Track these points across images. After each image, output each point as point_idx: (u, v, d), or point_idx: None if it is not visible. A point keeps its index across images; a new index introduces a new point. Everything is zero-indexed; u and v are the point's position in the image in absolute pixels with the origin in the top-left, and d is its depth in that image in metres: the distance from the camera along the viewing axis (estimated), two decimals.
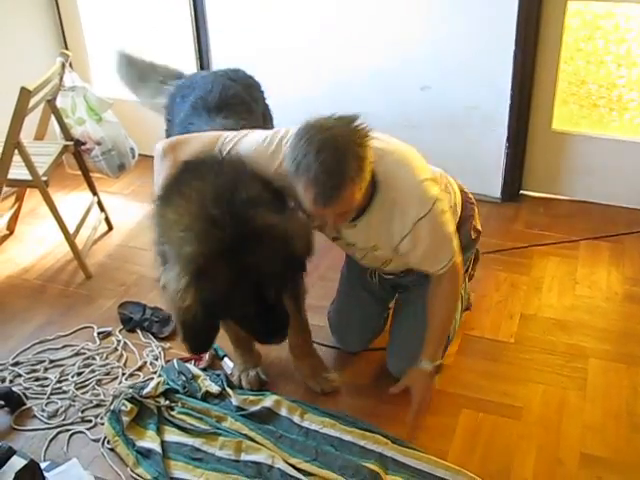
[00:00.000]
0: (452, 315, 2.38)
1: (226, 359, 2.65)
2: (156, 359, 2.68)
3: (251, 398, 2.42)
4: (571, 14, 3.32)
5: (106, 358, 2.71)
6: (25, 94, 2.89)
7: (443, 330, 2.34)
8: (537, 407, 2.42)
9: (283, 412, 2.38)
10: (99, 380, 2.60)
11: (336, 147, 1.88)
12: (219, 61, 3.88)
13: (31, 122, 3.30)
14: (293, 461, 2.18)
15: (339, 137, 1.89)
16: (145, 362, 2.67)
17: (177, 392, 2.44)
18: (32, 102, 3.00)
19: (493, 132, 3.55)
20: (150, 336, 2.81)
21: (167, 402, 2.41)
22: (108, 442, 2.30)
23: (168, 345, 2.75)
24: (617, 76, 3.40)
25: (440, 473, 2.16)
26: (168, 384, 2.47)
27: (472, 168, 3.55)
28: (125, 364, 2.68)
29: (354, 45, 3.59)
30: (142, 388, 2.45)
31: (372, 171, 2.01)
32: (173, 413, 2.38)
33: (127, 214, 3.75)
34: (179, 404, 2.40)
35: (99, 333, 2.83)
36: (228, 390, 2.45)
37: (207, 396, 2.44)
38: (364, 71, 3.61)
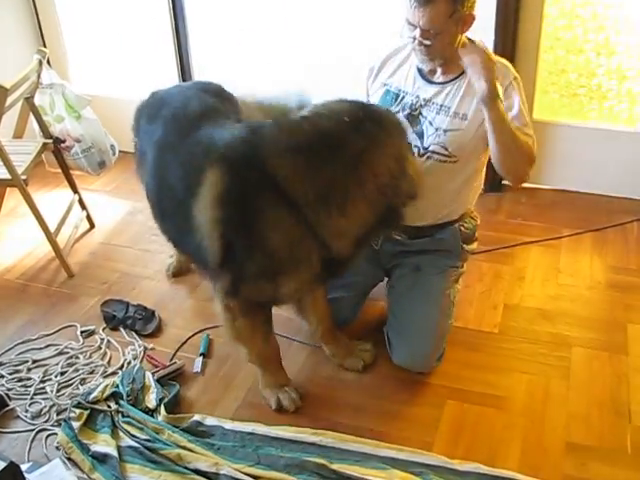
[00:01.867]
0: (518, 144, 2.28)
1: (200, 358, 2.64)
2: (135, 358, 2.66)
3: (178, 417, 2.37)
4: (549, 3, 3.32)
5: (90, 357, 2.69)
6: (2, 92, 2.86)
7: (512, 129, 2.27)
8: (521, 397, 2.43)
9: (211, 422, 2.35)
10: (83, 379, 2.58)
11: None
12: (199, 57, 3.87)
13: (9, 120, 3.27)
14: (237, 467, 2.15)
15: None
16: (126, 360, 2.66)
17: (122, 398, 2.41)
18: (10, 100, 2.97)
19: None
20: (134, 334, 2.79)
21: (117, 406, 2.38)
22: (64, 450, 2.24)
23: (151, 345, 2.73)
24: (596, 65, 3.41)
25: (383, 452, 2.19)
26: (117, 387, 2.44)
27: None
28: (109, 362, 2.67)
29: (336, 44, 3.57)
30: (89, 393, 2.42)
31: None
32: (120, 419, 2.35)
33: (109, 212, 3.73)
34: (124, 412, 2.37)
35: (82, 332, 2.81)
36: (160, 407, 2.39)
37: (146, 410, 2.39)
38: (345, 74, 3.59)
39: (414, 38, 2.28)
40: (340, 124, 2.03)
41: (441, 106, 2.42)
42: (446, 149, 2.40)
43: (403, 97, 2.47)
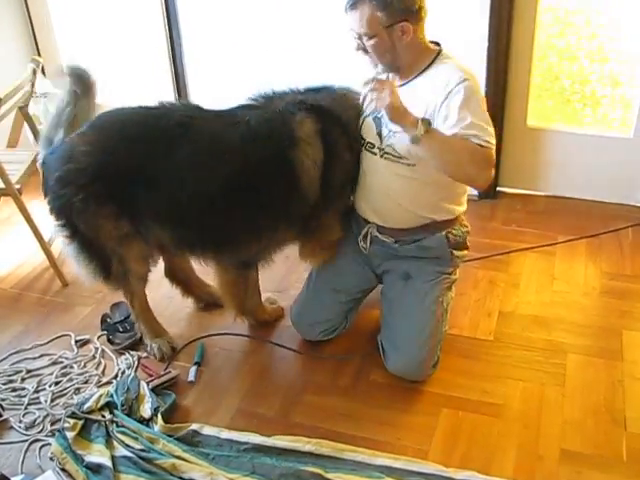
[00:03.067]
0: (464, 154, 2.18)
1: (194, 367, 2.64)
2: (129, 368, 2.66)
3: (175, 426, 2.36)
4: (543, 10, 3.34)
5: (84, 366, 2.68)
6: None
7: (455, 144, 2.18)
8: (517, 404, 2.43)
9: (207, 431, 2.34)
10: (77, 389, 2.57)
11: None
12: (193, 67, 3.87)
13: (3, 130, 3.27)
14: (232, 476, 2.14)
15: None
16: (120, 370, 2.65)
17: (117, 407, 2.40)
18: (3, 109, 2.97)
19: None
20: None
21: (111, 416, 2.37)
22: (58, 461, 2.22)
23: (145, 354, 2.73)
24: (590, 71, 3.42)
25: (378, 461, 2.19)
26: (111, 396, 2.43)
27: None
28: (103, 372, 2.66)
29: (331, 57, 3.57)
30: (83, 403, 2.41)
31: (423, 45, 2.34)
32: (115, 429, 2.34)
33: None
34: (119, 422, 2.36)
35: (77, 341, 2.80)
36: (156, 417, 2.38)
37: (141, 419, 2.38)
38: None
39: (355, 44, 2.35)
40: None
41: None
42: (396, 151, 2.40)
43: None
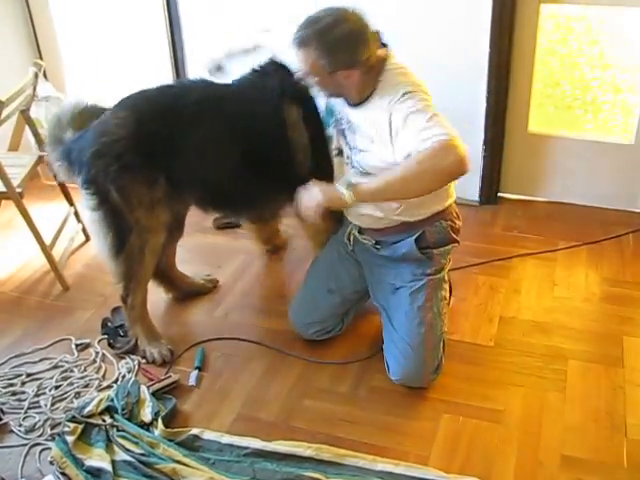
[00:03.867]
0: (414, 177, 2.15)
1: (195, 372, 2.63)
2: (129, 372, 2.65)
3: (176, 431, 2.36)
4: (544, 17, 3.34)
5: (84, 370, 2.68)
6: None
7: (394, 179, 2.18)
8: (517, 410, 2.42)
9: (208, 436, 2.34)
10: (77, 393, 2.56)
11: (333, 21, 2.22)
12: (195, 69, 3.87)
13: (5, 133, 3.27)
14: None
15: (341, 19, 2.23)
16: (121, 374, 2.64)
17: (117, 412, 2.40)
18: (5, 113, 2.97)
19: (470, 135, 3.54)
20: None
21: (111, 420, 2.37)
22: (58, 465, 2.22)
23: (144, 359, 2.73)
24: (591, 78, 3.43)
25: (379, 467, 2.18)
26: (111, 401, 2.43)
27: None
28: (104, 376, 2.65)
29: None
30: (83, 407, 2.41)
31: (371, 66, 2.28)
32: (115, 433, 2.33)
33: None
34: (119, 426, 2.35)
35: (77, 345, 2.80)
36: (156, 421, 2.37)
37: (141, 424, 2.38)
38: None
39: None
40: None
41: (355, 125, 2.43)
42: (361, 166, 2.43)
43: (338, 112, 2.55)
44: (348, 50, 2.23)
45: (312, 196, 2.29)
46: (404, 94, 2.23)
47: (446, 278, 2.64)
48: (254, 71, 2.68)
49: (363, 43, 2.24)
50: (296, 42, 2.27)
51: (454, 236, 2.59)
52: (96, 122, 2.58)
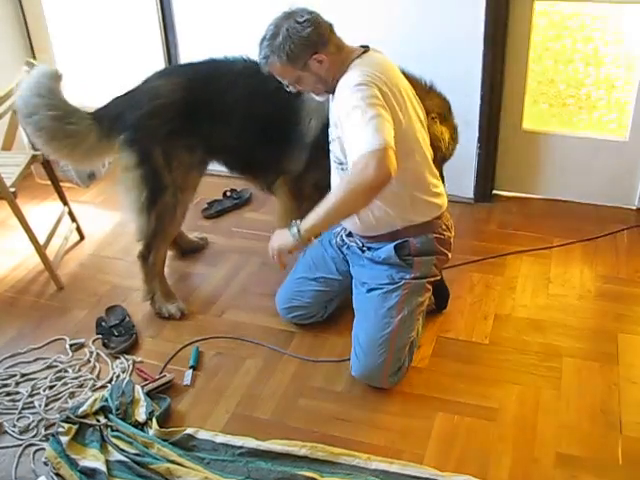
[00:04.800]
0: (340, 201, 2.21)
1: (190, 371, 2.63)
2: (124, 372, 2.65)
3: (170, 430, 2.35)
4: (538, 14, 3.35)
5: (79, 370, 2.67)
6: None
7: (327, 205, 2.23)
8: (512, 408, 2.43)
9: (203, 435, 2.33)
10: (72, 393, 2.56)
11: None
12: None
13: None
14: None
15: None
16: (115, 374, 2.64)
17: (111, 412, 2.39)
18: None
19: (464, 133, 3.52)
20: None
21: (105, 420, 2.36)
22: (52, 465, 2.22)
23: (140, 359, 2.72)
24: (585, 75, 3.43)
25: (374, 466, 2.19)
26: (106, 400, 2.43)
27: (444, 169, 3.55)
28: (98, 376, 2.65)
29: None
30: (78, 407, 2.40)
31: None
32: (109, 433, 2.33)
33: (99, 223, 3.72)
34: (113, 426, 2.35)
35: (71, 345, 2.79)
36: (151, 421, 2.37)
37: (136, 424, 2.37)
38: None
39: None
40: None
41: (328, 117, 2.52)
42: (335, 157, 2.48)
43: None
44: (301, 40, 2.29)
45: (271, 242, 2.44)
46: (358, 84, 2.23)
47: (428, 287, 2.60)
48: None
49: (313, 27, 2.30)
50: (262, 66, 2.38)
51: (440, 248, 2.57)
52: (146, 85, 2.83)
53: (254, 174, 3.06)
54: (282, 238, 2.37)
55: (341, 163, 2.43)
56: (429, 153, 2.52)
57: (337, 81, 2.34)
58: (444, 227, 2.58)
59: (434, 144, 2.58)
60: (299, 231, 2.29)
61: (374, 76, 2.26)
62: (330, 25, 2.37)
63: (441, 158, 2.72)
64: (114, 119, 2.77)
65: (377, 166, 2.09)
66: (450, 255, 2.65)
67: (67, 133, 2.75)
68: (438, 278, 2.67)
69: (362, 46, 2.42)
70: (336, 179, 2.53)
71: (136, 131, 2.73)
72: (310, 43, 2.30)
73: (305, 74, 2.35)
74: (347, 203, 2.22)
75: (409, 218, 2.50)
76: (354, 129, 2.18)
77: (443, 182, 2.68)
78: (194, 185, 2.93)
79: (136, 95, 2.82)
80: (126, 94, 2.85)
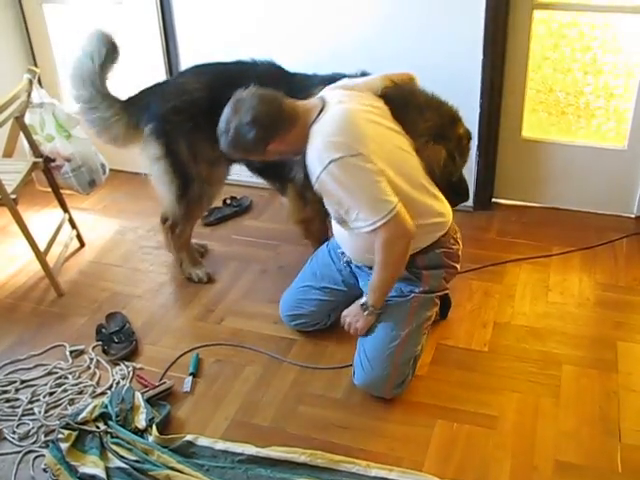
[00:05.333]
0: (390, 275, 2.42)
1: (189, 378, 2.64)
2: (123, 378, 2.65)
3: (170, 437, 2.36)
4: (537, 22, 3.36)
5: (78, 377, 2.67)
6: None
7: (379, 283, 2.43)
8: (512, 415, 2.43)
9: (202, 442, 2.34)
10: (72, 399, 2.56)
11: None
12: None
13: None
14: None
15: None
16: (115, 380, 2.64)
17: (111, 418, 2.40)
18: (0, 119, 2.97)
19: None
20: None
21: (105, 427, 2.36)
22: (52, 472, 2.22)
23: (140, 365, 2.72)
24: (584, 84, 3.44)
25: (373, 473, 2.19)
26: (105, 407, 2.43)
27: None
28: (98, 382, 2.65)
29: (320, 52, 3.58)
30: (77, 414, 2.41)
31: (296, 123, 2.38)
32: (109, 440, 2.33)
33: (99, 230, 3.72)
34: (113, 433, 2.35)
35: (71, 352, 2.80)
36: (151, 428, 2.37)
37: (135, 430, 2.38)
38: None
39: None
40: None
41: None
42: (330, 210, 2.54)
43: None
44: (249, 141, 2.36)
45: (348, 318, 2.56)
46: (330, 162, 2.26)
47: (436, 301, 2.62)
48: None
49: (257, 127, 2.34)
50: (226, 155, 2.54)
51: (448, 261, 2.57)
52: (176, 80, 3.06)
53: (267, 178, 3.22)
54: (364, 322, 2.52)
55: (338, 217, 2.48)
56: (420, 173, 2.49)
57: (304, 146, 2.37)
58: (452, 241, 2.58)
59: (426, 169, 2.52)
60: (372, 309, 2.48)
61: (338, 145, 2.28)
62: (279, 103, 2.39)
63: (446, 175, 2.65)
64: (142, 110, 2.95)
65: (397, 237, 2.30)
66: (459, 267, 2.65)
67: (93, 120, 3.02)
68: (447, 291, 2.67)
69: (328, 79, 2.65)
70: (335, 225, 2.60)
71: (162, 123, 2.91)
72: (258, 141, 2.37)
73: (268, 154, 2.44)
74: (393, 276, 2.43)
75: (415, 246, 2.46)
76: (353, 205, 2.30)
77: (458, 197, 2.77)
78: (220, 179, 3.10)
79: (165, 89, 3.01)
80: (155, 86, 3.04)
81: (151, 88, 3.05)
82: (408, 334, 2.50)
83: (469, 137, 2.75)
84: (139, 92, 3.05)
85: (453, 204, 2.65)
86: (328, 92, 2.52)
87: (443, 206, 2.56)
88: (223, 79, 2.89)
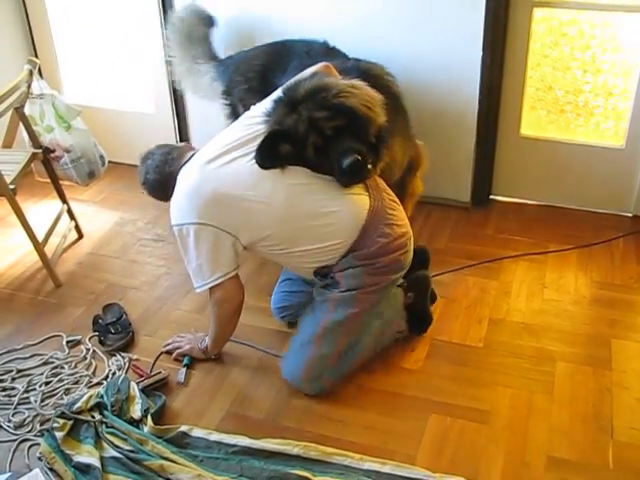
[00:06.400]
0: (216, 334, 2.64)
1: (184, 369, 2.65)
2: (119, 369, 2.67)
3: (165, 427, 2.37)
4: (537, 20, 3.36)
5: (75, 367, 2.69)
6: None
7: (212, 333, 2.65)
8: (505, 411, 2.44)
9: (197, 433, 2.35)
10: (67, 389, 2.57)
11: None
12: None
13: None
14: (220, 479, 2.15)
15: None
16: (111, 371, 2.66)
17: (106, 408, 2.41)
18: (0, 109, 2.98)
19: (462, 138, 3.58)
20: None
21: (100, 417, 2.38)
22: (46, 460, 2.24)
23: (136, 356, 2.74)
24: (583, 82, 3.44)
25: (366, 466, 2.21)
26: (101, 397, 2.44)
27: (442, 173, 3.58)
28: (94, 373, 2.67)
29: None
30: (73, 403, 2.42)
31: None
32: (104, 430, 2.35)
33: (97, 222, 3.73)
34: (108, 423, 2.36)
35: (68, 342, 2.81)
36: (146, 418, 2.38)
37: (131, 420, 2.39)
38: None
39: None
40: None
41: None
42: None
43: None
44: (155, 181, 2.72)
45: (182, 344, 2.74)
46: (172, 225, 2.50)
47: (362, 297, 2.47)
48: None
49: (149, 190, 2.76)
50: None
51: (365, 261, 2.43)
52: (248, 51, 3.35)
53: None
54: (191, 344, 2.72)
55: None
56: (312, 199, 2.43)
57: None
58: (369, 242, 2.44)
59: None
60: (207, 349, 2.68)
61: (178, 211, 2.48)
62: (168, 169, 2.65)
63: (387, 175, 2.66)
64: (225, 69, 3.34)
65: (222, 301, 2.53)
66: (385, 259, 2.45)
67: (192, 71, 3.46)
68: (383, 285, 2.52)
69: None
70: None
71: (228, 83, 3.28)
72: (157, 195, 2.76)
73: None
74: (224, 332, 2.66)
75: (320, 261, 2.48)
76: (189, 265, 2.51)
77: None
78: None
79: (241, 55, 3.36)
80: (242, 52, 3.39)
81: (241, 52, 3.40)
82: (325, 328, 2.49)
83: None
84: (234, 54, 3.44)
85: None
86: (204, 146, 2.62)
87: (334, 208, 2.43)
88: (277, 52, 3.23)
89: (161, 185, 2.66)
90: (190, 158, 2.57)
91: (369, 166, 2.39)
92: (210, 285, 2.47)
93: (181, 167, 2.57)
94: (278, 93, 2.52)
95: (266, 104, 2.54)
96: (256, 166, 2.39)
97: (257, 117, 2.52)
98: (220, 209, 2.40)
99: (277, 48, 3.28)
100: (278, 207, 2.39)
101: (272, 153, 2.39)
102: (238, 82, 3.25)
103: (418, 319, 2.78)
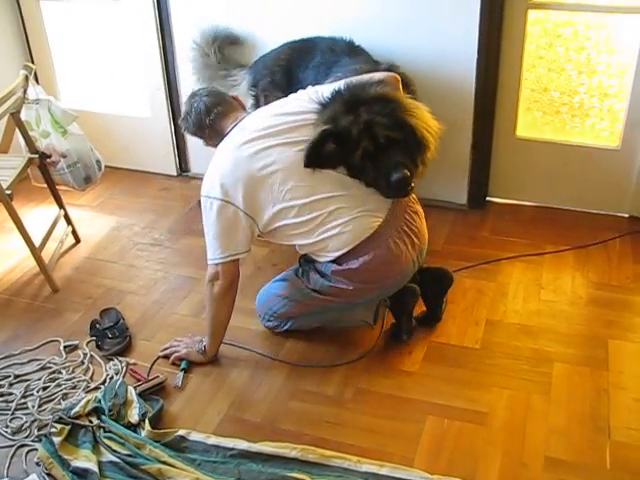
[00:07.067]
0: (211, 317, 2.67)
1: (181, 373, 2.65)
2: (117, 373, 2.67)
3: (162, 432, 2.37)
4: (532, 22, 3.37)
5: (72, 372, 2.69)
6: None
7: (208, 320, 2.69)
8: (502, 412, 2.44)
9: (195, 437, 2.35)
10: (65, 394, 2.57)
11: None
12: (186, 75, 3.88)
13: None
14: None
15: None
16: (109, 375, 2.65)
17: (104, 413, 2.41)
18: None
19: (458, 139, 3.58)
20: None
21: (98, 422, 2.37)
22: (44, 466, 2.23)
23: (133, 360, 2.73)
24: (578, 83, 3.45)
25: (364, 468, 2.20)
26: (98, 402, 2.44)
27: (438, 175, 3.58)
28: (91, 377, 2.66)
29: None
30: (70, 408, 2.42)
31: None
32: (102, 434, 2.34)
33: (94, 227, 3.73)
34: (106, 427, 2.36)
35: (65, 347, 2.81)
36: (143, 422, 2.38)
37: (128, 424, 2.39)
38: None
39: None
40: None
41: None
42: None
43: None
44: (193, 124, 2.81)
45: (179, 348, 2.74)
46: (201, 196, 2.58)
47: (317, 297, 2.68)
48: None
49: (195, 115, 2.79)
50: None
51: (337, 277, 2.59)
52: (275, 48, 3.47)
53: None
54: (188, 347, 2.73)
55: None
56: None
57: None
58: (353, 260, 2.56)
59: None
60: (205, 351, 2.70)
61: (209, 183, 2.56)
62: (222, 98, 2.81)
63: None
64: (255, 65, 3.50)
65: (216, 279, 2.57)
66: (357, 286, 2.60)
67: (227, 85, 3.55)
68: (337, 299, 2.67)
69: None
70: None
71: (255, 76, 3.43)
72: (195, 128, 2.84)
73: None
74: (217, 315, 2.65)
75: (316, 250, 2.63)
76: (207, 236, 2.58)
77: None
78: None
79: (272, 52, 3.48)
80: (272, 50, 3.50)
81: (267, 52, 3.53)
82: (288, 287, 2.78)
83: None
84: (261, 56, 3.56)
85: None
86: (250, 116, 2.72)
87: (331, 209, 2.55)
88: (300, 48, 3.37)
89: (197, 130, 2.82)
90: (232, 127, 2.66)
91: (412, 185, 2.48)
92: (219, 261, 2.55)
93: (220, 128, 2.72)
94: (340, 86, 2.54)
95: (320, 91, 2.58)
96: (291, 159, 2.48)
97: (305, 102, 2.59)
98: (246, 191, 2.49)
99: (302, 44, 3.41)
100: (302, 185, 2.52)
101: (317, 151, 2.45)
102: (264, 75, 3.40)
103: (398, 327, 2.81)
